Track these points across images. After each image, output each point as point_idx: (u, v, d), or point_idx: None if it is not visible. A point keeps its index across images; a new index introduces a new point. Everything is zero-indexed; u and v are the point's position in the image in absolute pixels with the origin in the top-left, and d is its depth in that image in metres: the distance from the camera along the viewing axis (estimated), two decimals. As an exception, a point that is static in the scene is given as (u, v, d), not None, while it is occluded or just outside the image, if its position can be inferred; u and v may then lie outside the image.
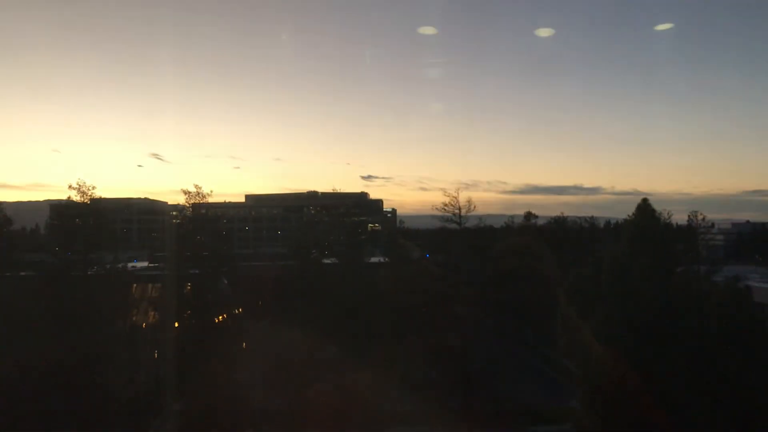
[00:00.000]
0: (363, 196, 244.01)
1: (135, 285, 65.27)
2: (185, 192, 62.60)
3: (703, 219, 51.56)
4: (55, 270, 54.38)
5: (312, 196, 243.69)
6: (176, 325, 57.21)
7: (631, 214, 38.05)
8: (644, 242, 28.89)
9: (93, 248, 61.37)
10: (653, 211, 31.75)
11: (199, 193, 62.61)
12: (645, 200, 31.45)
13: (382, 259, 74.69)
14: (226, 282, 65.04)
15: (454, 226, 78.12)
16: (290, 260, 75.15)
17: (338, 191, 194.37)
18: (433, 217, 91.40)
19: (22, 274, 60.21)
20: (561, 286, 63.63)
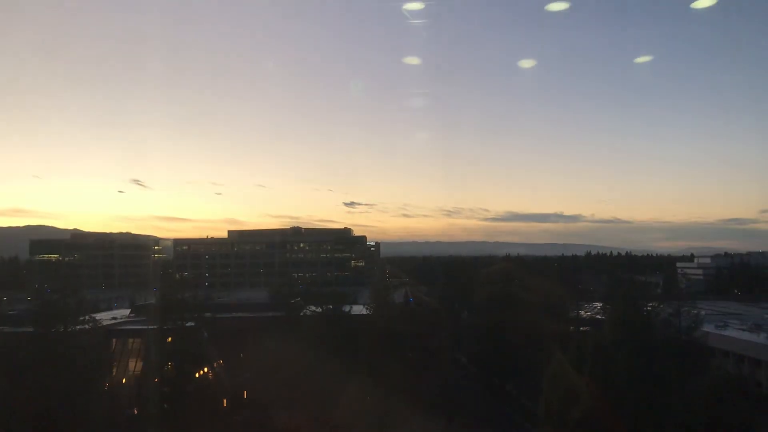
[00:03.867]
0: (347, 232, 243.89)
1: (115, 340, 64.45)
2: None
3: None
4: (34, 327, 53.27)
5: (296, 231, 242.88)
6: (156, 380, 56.33)
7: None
8: (627, 331, 29.19)
9: (74, 291, 60.83)
10: (635, 299, 32.16)
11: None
12: (627, 289, 31.89)
13: (365, 307, 74.11)
14: (206, 335, 64.35)
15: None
16: (272, 310, 74.84)
17: (322, 227, 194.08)
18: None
19: (-1, 328, 59.01)
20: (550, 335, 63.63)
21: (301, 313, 70.78)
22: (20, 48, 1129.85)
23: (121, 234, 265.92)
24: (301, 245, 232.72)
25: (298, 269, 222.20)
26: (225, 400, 60.74)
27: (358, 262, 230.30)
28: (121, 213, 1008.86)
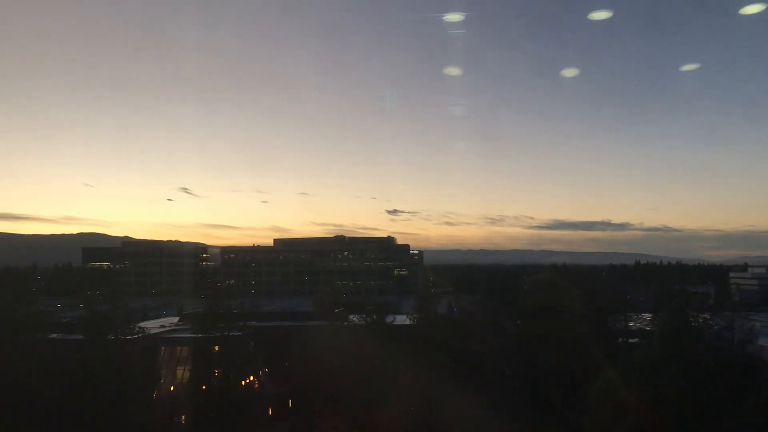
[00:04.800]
0: (390, 240, 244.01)
1: (163, 348, 65.73)
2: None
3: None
4: (86, 335, 54.76)
5: (339, 240, 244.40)
6: (203, 388, 57.23)
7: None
8: (677, 344, 28.39)
9: (124, 299, 62.84)
10: (686, 311, 31.27)
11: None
12: (677, 300, 31.05)
13: (408, 317, 74.05)
14: (252, 344, 65.15)
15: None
16: (316, 319, 75.34)
17: (365, 236, 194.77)
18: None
19: (52, 336, 60.63)
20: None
21: (345, 323, 70.96)
22: (70, 57, 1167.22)
23: (169, 241, 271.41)
24: (345, 254, 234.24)
25: (342, 278, 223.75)
26: (270, 409, 61.29)
27: (401, 271, 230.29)
28: (170, 221, 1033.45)
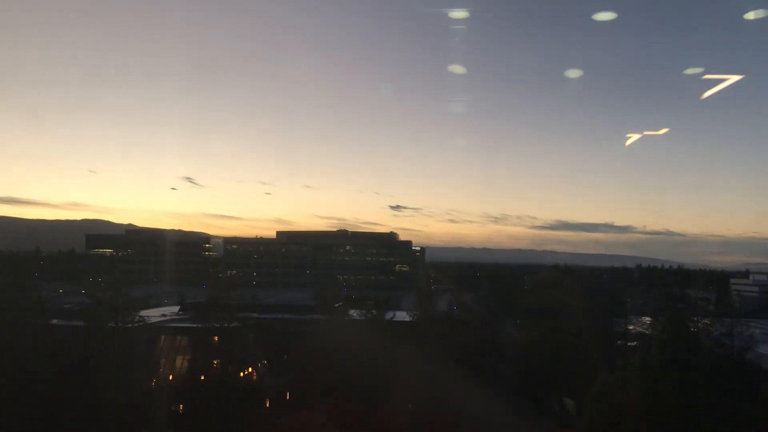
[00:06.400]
0: (392, 236, 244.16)
1: (164, 337, 65.97)
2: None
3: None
4: (87, 321, 54.95)
5: (342, 234, 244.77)
6: (201, 379, 57.48)
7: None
8: (676, 350, 28.46)
9: (126, 287, 63.21)
10: (684, 323, 31.28)
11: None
12: (678, 305, 31.10)
13: (408, 314, 74.22)
14: (252, 336, 65.34)
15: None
16: (316, 313, 75.53)
17: (368, 231, 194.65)
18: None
19: (53, 322, 60.85)
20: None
21: (345, 318, 71.12)
22: (77, 43, 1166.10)
23: (173, 230, 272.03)
24: (347, 248, 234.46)
25: (343, 272, 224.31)
26: (267, 401, 61.45)
27: (402, 267, 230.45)
28: (173, 209, 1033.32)
